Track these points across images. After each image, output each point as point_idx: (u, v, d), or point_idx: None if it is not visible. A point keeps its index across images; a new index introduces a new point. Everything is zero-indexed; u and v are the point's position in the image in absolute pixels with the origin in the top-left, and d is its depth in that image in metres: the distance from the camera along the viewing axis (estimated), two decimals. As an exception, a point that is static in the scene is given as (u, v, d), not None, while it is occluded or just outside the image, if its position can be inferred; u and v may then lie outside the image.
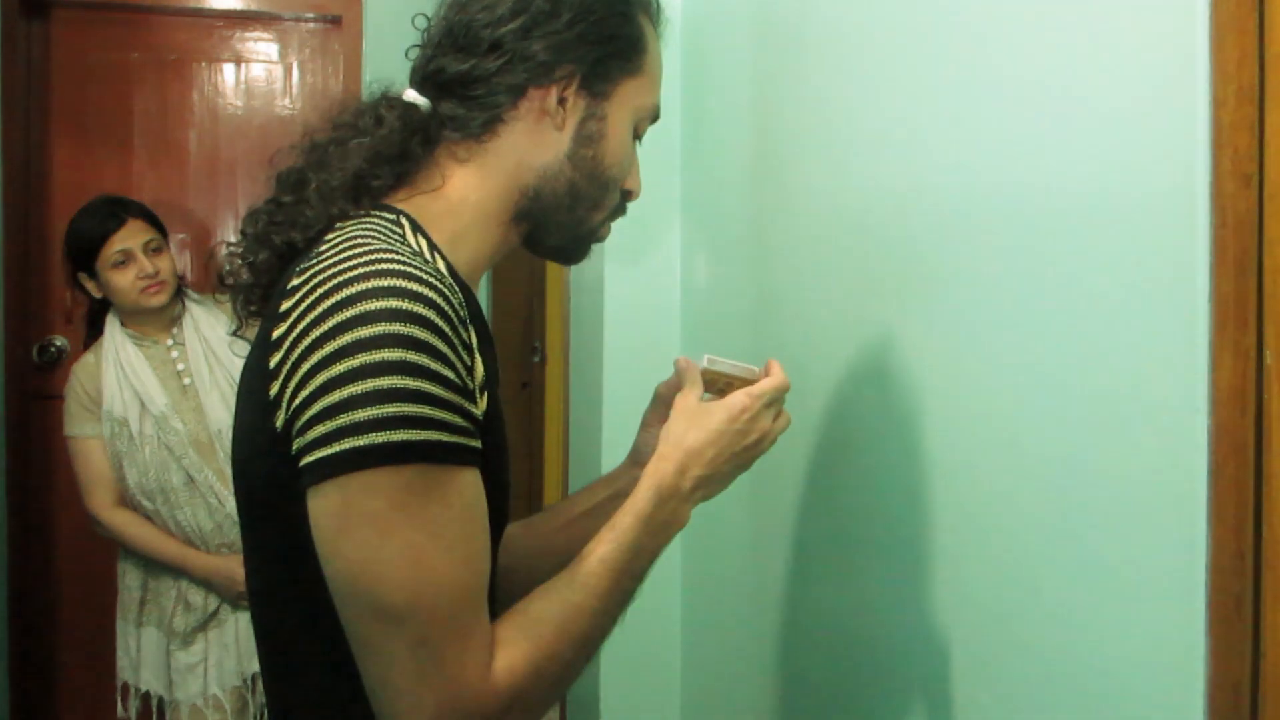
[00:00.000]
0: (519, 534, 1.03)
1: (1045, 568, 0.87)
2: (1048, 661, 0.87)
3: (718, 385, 0.98)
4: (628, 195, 0.98)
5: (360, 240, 0.79)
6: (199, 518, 2.05)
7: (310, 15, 3.08)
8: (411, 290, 0.73)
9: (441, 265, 0.84)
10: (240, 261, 0.89)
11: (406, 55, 0.94)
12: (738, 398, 0.93)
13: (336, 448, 0.70)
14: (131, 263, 2.05)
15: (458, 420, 0.73)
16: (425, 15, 0.94)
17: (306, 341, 0.72)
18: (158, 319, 2.11)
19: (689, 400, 0.95)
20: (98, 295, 2.11)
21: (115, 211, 2.07)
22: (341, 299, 0.72)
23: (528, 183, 0.90)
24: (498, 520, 0.82)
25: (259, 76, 3.07)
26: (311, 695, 0.84)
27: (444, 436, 0.72)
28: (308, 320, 0.73)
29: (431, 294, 0.73)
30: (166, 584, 2.09)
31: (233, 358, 2.09)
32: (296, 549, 0.75)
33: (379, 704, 0.74)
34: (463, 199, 0.90)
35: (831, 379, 1.27)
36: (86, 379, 2.08)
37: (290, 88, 3.08)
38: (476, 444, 0.76)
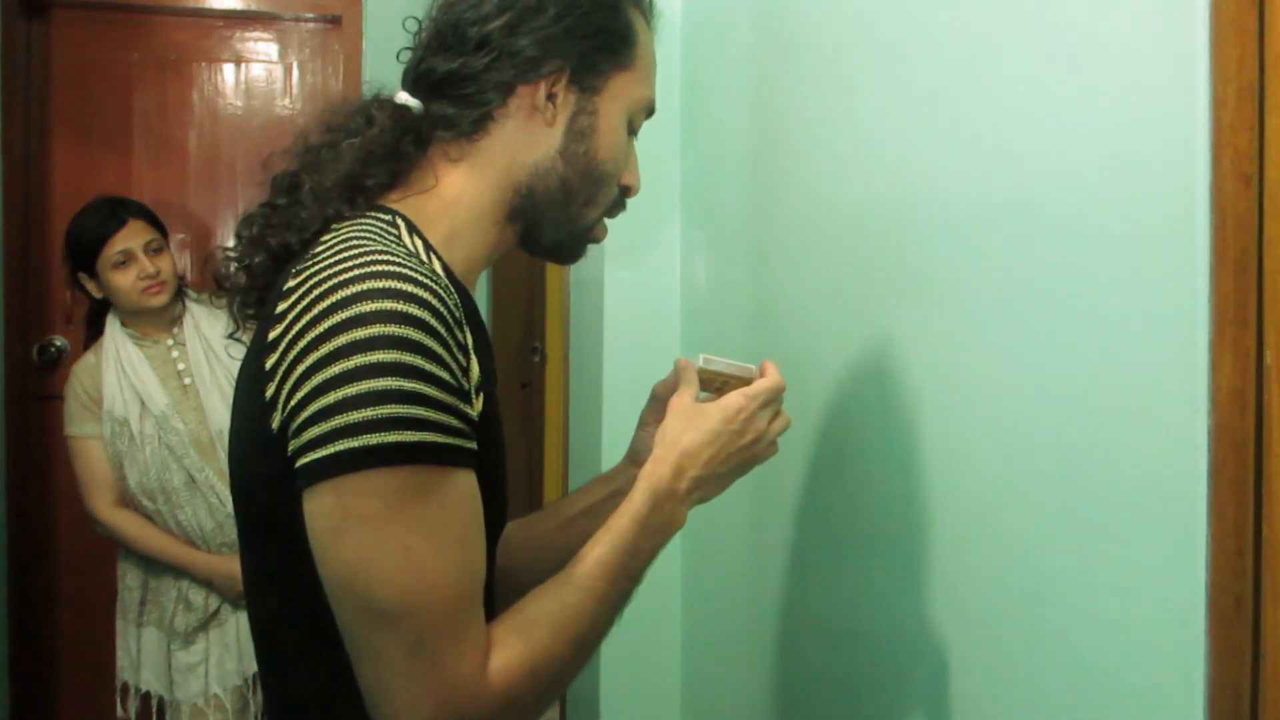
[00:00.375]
0: (517, 533, 1.04)
1: (1045, 568, 0.87)
2: (1048, 662, 0.87)
3: (714, 384, 0.98)
4: (626, 191, 0.97)
5: (355, 242, 0.79)
6: (200, 517, 2.05)
7: (310, 15, 3.08)
8: (406, 292, 0.72)
9: (437, 266, 0.84)
10: (236, 265, 0.89)
11: (398, 58, 0.94)
12: (733, 398, 0.93)
13: (331, 449, 0.70)
14: (132, 263, 2.05)
15: (453, 422, 0.73)
16: (416, 18, 0.94)
17: (302, 343, 0.72)
18: (158, 319, 2.11)
19: (684, 400, 0.94)
20: (98, 295, 2.11)
21: (116, 212, 2.07)
22: (336, 301, 0.72)
23: (521, 180, 0.90)
24: (495, 521, 0.82)
25: (259, 76, 3.07)
26: (308, 695, 0.84)
27: (439, 438, 0.72)
28: (303, 322, 0.73)
29: (427, 295, 0.73)
30: (167, 584, 2.09)
31: (233, 358, 2.09)
32: (293, 550, 0.75)
33: (374, 705, 0.74)
34: (456, 198, 0.90)
35: (831, 379, 1.27)
36: (87, 379, 2.08)
37: (290, 88, 3.08)
38: (472, 445, 0.75)
